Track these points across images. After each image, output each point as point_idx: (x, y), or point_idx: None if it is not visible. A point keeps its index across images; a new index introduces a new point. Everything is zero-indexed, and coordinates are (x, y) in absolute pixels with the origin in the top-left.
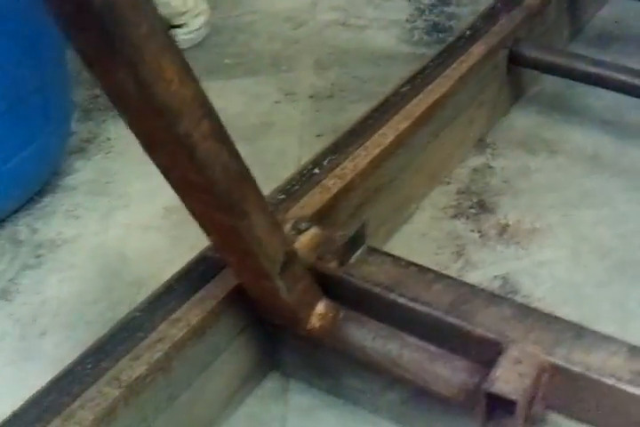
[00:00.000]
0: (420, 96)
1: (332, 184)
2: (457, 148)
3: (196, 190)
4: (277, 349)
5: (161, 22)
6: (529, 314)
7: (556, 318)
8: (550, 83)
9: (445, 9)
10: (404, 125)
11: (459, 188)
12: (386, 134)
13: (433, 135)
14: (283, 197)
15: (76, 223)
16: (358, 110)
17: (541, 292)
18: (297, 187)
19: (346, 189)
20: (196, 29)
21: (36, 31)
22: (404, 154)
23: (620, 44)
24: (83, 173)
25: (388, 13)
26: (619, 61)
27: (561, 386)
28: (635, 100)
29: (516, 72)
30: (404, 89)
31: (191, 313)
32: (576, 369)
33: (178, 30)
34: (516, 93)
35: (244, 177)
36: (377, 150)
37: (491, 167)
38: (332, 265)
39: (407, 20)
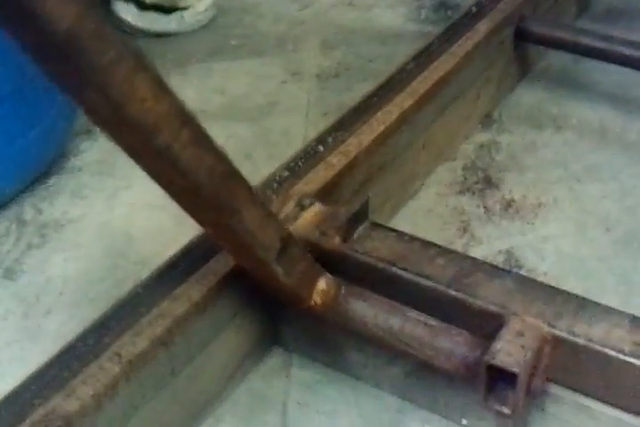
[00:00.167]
0: (425, 73)
1: (337, 161)
2: (463, 124)
3: (184, 193)
4: (280, 324)
5: (130, 45)
6: (531, 287)
7: (559, 291)
8: (557, 58)
9: None
10: (408, 102)
11: (464, 164)
12: (390, 111)
13: (438, 112)
14: (287, 173)
15: (81, 203)
16: (364, 89)
17: (546, 266)
18: (301, 164)
19: (350, 166)
20: (203, 11)
21: None
22: (409, 131)
23: (628, 20)
24: (88, 153)
25: None
26: (626, 37)
27: (563, 358)
28: None
29: (523, 48)
30: (408, 66)
31: (193, 289)
32: (578, 341)
33: (184, 12)
34: (523, 69)
35: (231, 176)
36: (381, 127)
37: (497, 143)
38: (336, 241)
39: None
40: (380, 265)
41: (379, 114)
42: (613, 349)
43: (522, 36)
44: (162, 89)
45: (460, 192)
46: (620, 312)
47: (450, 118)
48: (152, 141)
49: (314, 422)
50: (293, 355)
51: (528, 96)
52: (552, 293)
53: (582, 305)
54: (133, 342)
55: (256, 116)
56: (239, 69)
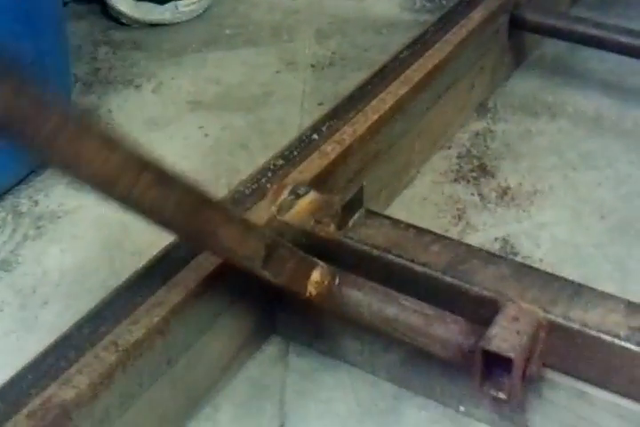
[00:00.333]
0: (420, 61)
1: (331, 149)
2: (458, 112)
3: (159, 224)
4: (277, 312)
5: (72, 110)
6: (526, 273)
7: (554, 277)
8: (552, 46)
9: None
10: (403, 91)
11: (459, 152)
12: (385, 100)
13: (433, 100)
14: (281, 162)
15: (77, 195)
16: (360, 79)
17: (542, 253)
18: (296, 152)
19: (344, 155)
20: (197, 1)
21: (33, 3)
22: (404, 119)
23: (622, 8)
24: None
25: None
26: (621, 24)
27: (558, 344)
28: (636, 62)
29: (518, 36)
30: (403, 54)
31: (189, 278)
32: (574, 326)
33: (179, 2)
34: (518, 58)
35: (201, 205)
36: (376, 116)
37: (492, 131)
38: (331, 229)
39: None
40: (376, 253)
41: (373, 102)
42: (609, 334)
43: (516, 25)
44: (111, 144)
45: (456, 180)
46: (616, 297)
47: (445, 107)
48: (113, 190)
49: (311, 409)
50: (291, 343)
51: (523, 84)
52: (547, 279)
53: (577, 291)
54: (130, 331)
55: (251, 105)
56: (234, 59)
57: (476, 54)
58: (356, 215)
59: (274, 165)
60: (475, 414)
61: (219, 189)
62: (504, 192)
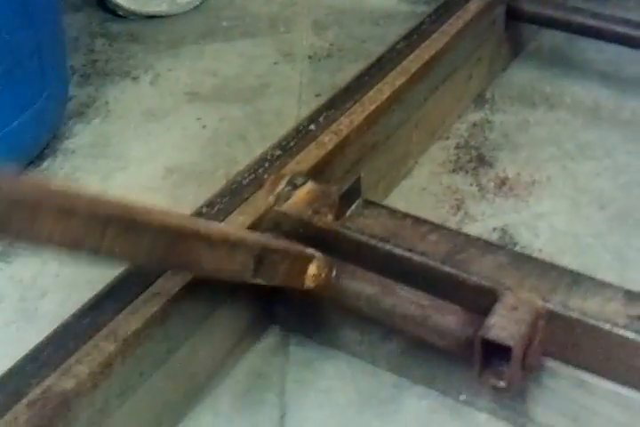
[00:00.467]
0: (417, 52)
1: (328, 140)
2: (455, 103)
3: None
4: (276, 303)
5: (24, 182)
6: (525, 262)
7: (552, 266)
8: (549, 37)
9: None
10: (400, 81)
11: (458, 142)
12: (382, 90)
13: (430, 91)
14: (279, 153)
15: (79, 185)
16: (357, 70)
17: (540, 243)
18: (293, 143)
19: (342, 145)
20: None
21: None
22: (401, 110)
23: None
24: (82, 136)
25: None
26: (619, 14)
27: (557, 332)
28: (634, 52)
29: (515, 27)
30: (400, 45)
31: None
32: (572, 315)
33: None
34: (516, 48)
35: (178, 237)
36: (373, 106)
37: (490, 122)
38: (328, 219)
39: None
40: (373, 242)
41: (370, 93)
42: (608, 322)
43: (514, 15)
44: (68, 211)
45: (454, 171)
46: (614, 286)
47: (442, 97)
48: (79, 252)
49: (312, 399)
50: (290, 333)
51: (521, 75)
52: (545, 268)
53: (576, 280)
54: (129, 321)
55: (249, 97)
56: (231, 51)
57: (473, 45)
58: (354, 205)
59: (271, 155)
60: (475, 404)
61: (217, 180)
62: (502, 182)
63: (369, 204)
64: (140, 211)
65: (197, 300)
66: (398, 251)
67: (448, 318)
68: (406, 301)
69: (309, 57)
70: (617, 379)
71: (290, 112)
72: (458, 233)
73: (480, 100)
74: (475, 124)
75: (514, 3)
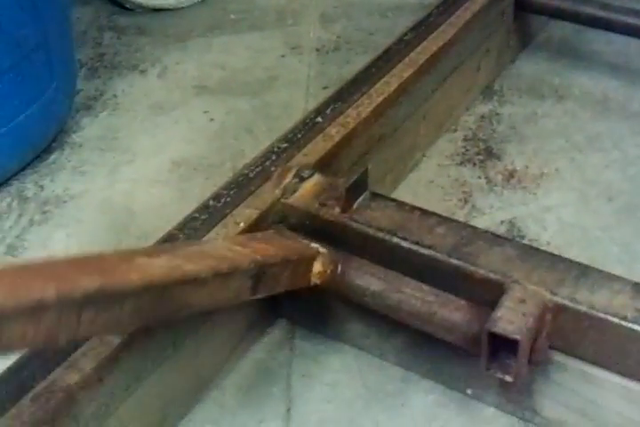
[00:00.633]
0: (424, 44)
1: (335, 132)
2: (463, 95)
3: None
4: (282, 296)
5: None
6: (532, 254)
7: (560, 258)
8: (558, 28)
9: None
10: (407, 73)
11: (465, 135)
12: (389, 82)
13: (438, 83)
14: (286, 145)
15: (82, 179)
16: (365, 62)
17: (548, 236)
18: (300, 135)
19: (349, 137)
20: None
21: None
22: (409, 102)
23: None
24: (89, 129)
25: None
26: (627, 6)
27: (565, 325)
28: None
29: (523, 18)
30: (407, 37)
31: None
32: (580, 308)
33: None
34: (524, 40)
35: (163, 289)
36: (380, 98)
37: (498, 114)
38: (335, 211)
39: None
40: (380, 235)
41: (377, 85)
42: (616, 315)
43: (522, 6)
44: (36, 315)
45: (462, 163)
46: (622, 279)
47: (450, 89)
48: (57, 344)
49: (318, 393)
50: (297, 327)
51: (529, 67)
52: (553, 260)
53: (584, 272)
54: None
55: (256, 90)
56: (239, 44)
57: (481, 36)
58: (361, 198)
59: (278, 148)
60: (481, 397)
61: (224, 173)
62: (510, 175)
63: (376, 196)
64: (116, 274)
65: None
66: (405, 243)
67: (455, 313)
68: (412, 296)
69: (317, 50)
70: (625, 372)
71: (297, 105)
72: (465, 226)
73: (488, 92)
74: (483, 117)
75: None
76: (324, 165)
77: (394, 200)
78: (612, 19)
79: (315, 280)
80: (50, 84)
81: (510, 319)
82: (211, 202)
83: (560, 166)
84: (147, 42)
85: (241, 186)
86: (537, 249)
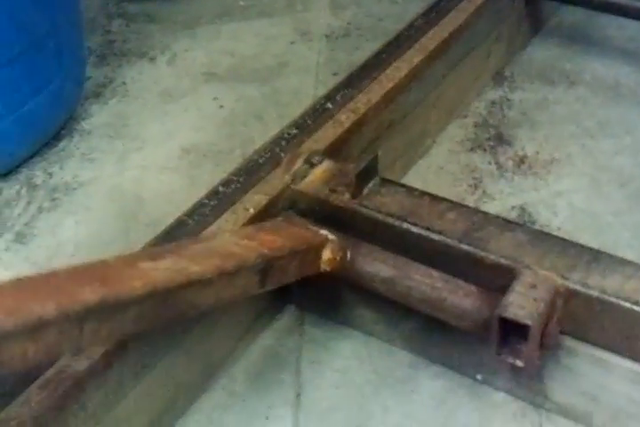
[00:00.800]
0: (435, 29)
1: (346, 118)
2: (474, 81)
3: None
4: (292, 283)
5: None
6: (543, 240)
7: (571, 243)
8: (570, 14)
9: None
10: (418, 59)
11: (476, 121)
12: (400, 68)
13: (448, 69)
14: (296, 131)
15: (91, 166)
16: (375, 49)
17: (559, 221)
18: (310, 121)
19: (359, 123)
20: None
21: None
22: (419, 88)
23: None
24: (98, 117)
25: None
26: None
27: (576, 310)
28: None
29: (535, 4)
30: (418, 23)
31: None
32: (592, 293)
33: None
34: (535, 26)
35: (167, 294)
36: (390, 84)
37: (509, 100)
38: (345, 197)
39: None
40: (390, 221)
41: (388, 71)
42: (628, 300)
43: None
44: (36, 329)
45: (472, 149)
46: (634, 264)
47: (460, 75)
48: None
49: (328, 379)
50: (306, 313)
51: (541, 53)
52: (564, 245)
53: (595, 257)
54: None
55: (266, 76)
56: (248, 30)
57: (491, 22)
58: (371, 184)
59: (288, 134)
60: (492, 383)
61: (233, 159)
62: (521, 161)
63: (386, 182)
64: (118, 282)
65: None
66: (415, 229)
67: (465, 298)
68: (422, 282)
69: (326, 36)
70: (636, 357)
71: (307, 91)
72: (476, 211)
73: (499, 78)
74: (493, 103)
75: None
76: (334, 150)
77: (404, 186)
78: (624, 3)
79: (324, 267)
80: (59, 71)
81: (521, 304)
82: (220, 188)
83: (571, 152)
84: (156, 29)
85: (251, 172)
86: (548, 234)
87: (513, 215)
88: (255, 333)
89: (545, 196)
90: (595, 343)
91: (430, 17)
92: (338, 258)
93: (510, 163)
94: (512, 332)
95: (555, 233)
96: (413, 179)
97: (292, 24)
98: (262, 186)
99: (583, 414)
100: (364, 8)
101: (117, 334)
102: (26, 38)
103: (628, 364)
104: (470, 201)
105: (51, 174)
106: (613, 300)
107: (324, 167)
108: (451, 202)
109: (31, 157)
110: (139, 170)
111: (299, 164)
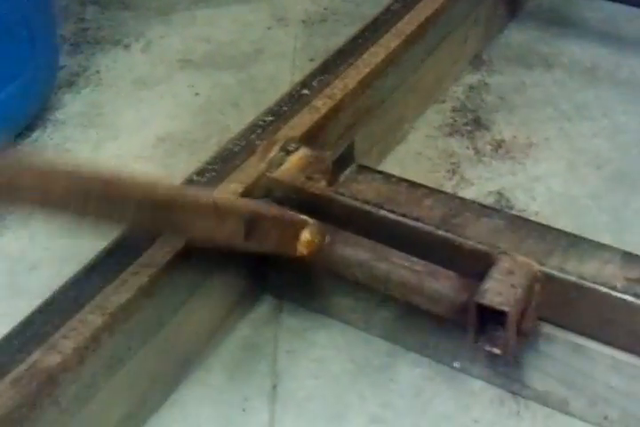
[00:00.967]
0: (412, 13)
1: (322, 104)
2: (451, 65)
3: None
4: (268, 271)
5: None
6: (521, 225)
7: (548, 228)
8: None
9: None
10: (394, 44)
11: (454, 106)
12: (376, 53)
13: (426, 53)
14: (271, 118)
15: (66, 157)
16: (352, 34)
17: (537, 205)
18: (286, 108)
19: (335, 109)
20: None
21: None
22: (396, 73)
23: None
24: (72, 106)
25: None
26: None
27: (554, 296)
28: (632, 10)
29: None
30: (394, 7)
31: (177, 238)
32: (569, 278)
33: None
34: (513, 9)
35: (163, 206)
36: (367, 69)
37: (486, 84)
38: (321, 185)
39: None
40: (367, 208)
41: (364, 56)
42: (605, 285)
43: None
44: (48, 179)
45: (450, 134)
46: (612, 248)
47: (438, 60)
48: (63, 214)
49: (305, 369)
50: (283, 302)
51: (518, 36)
52: (542, 230)
53: (573, 242)
54: (116, 294)
55: (242, 63)
56: (224, 16)
57: (469, 6)
58: (347, 171)
59: (263, 121)
60: (469, 370)
61: (209, 148)
62: (499, 145)
63: (363, 169)
64: (122, 184)
65: (187, 271)
66: (393, 216)
67: (442, 284)
68: (400, 267)
69: (303, 21)
70: (614, 343)
71: (284, 78)
72: (453, 197)
73: (477, 62)
74: (471, 87)
75: None
76: (311, 137)
77: (381, 173)
78: None
79: (302, 249)
80: (31, 60)
81: (499, 291)
82: (195, 177)
83: (549, 136)
84: (130, 16)
85: (226, 160)
86: (525, 219)
87: (491, 200)
88: (231, 323)
89: (522, 180)
90: (572, 329)
91: (407, 1)
92: (316, 241)
93: (488, 147)
94: (490, 319)
95: (532, 217)
96: (391, 165)
97: (269, 9)
98: (237, 174)
99: (561, 401)
100: None
101: (116, 220)
102: None
103: (605, 350)
104: (448, 187)
105: None
106: (591, 285)
107: (300, 155)
108: (428, 188)
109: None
110: (114, 159)
111: (274, 151)
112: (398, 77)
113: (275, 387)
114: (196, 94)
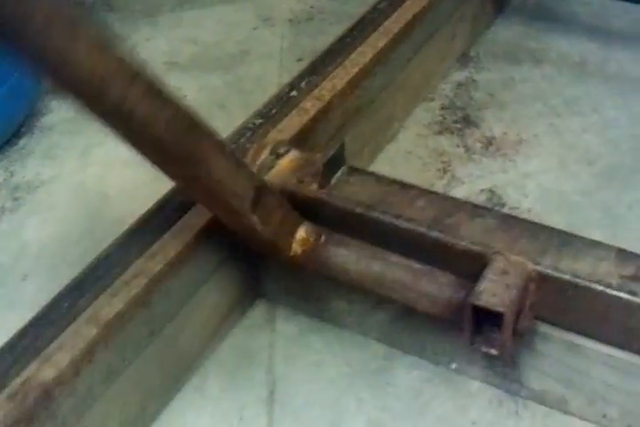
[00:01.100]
0: (399, 12)
1: (311, 106)
2: (439, 63)
3: (147, 147)
4: (262, 276)
5: (64, 6)
6: (514, 224)
7: (542, 227)
8: None
9: None
10: (382, 43)
11: (443, 103)
12: (364, 53)
13: (413, 51)
14: (261, 121)
15: (53, 164)
16: (339, 33)
17: (529, 203)
18: (275, 110)
19: (325, 111)
20: None
21: None
22: (384, 72)
23: None
24: (59, 112)
25: None
26: None
27: (549, 295)
28: (620, 4)
29: None
30: (381, 5)
31: (168, 246)
32: (564, 277)
33: None
34: (499, 4)
35: (193, 127)
36: (355, 69)
37: (475, 81)
38: (313, 187)
39: None
40: (359, 210)
41: (352, 56)
42: (600, 283)
43: None
44: (104, 46)
45: (440, 132)
46: (606, 246)
47: (426, 58)
48: (102, 98)
49: (301, 374)
50: (278, 307)
51: (505, 32)
52: (535, 229)
53: (566, 240)
54: (110, 304)
55: (229, 64)
56: (210, 17)
57: (455, 3)
58: (339, 173)
59: (252, 124)
60: (467, 372)
61: None
62: (489, 142)
63: (354, 170)
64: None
65: (180, 279)
66: (385, 218)
67: (437, 285)
68: (395, 267)
69: (290, 20)
70: (611, 341)
71: (271, 78)
72: (445, 197)
73: (464, 59)
74: (460, 84)
75: None
76: (300, 140)
77: (372, 174)
78: None
79: (297, 248)
80: (17, 66)
81: (494, 292)
82: None
83: (539, 132)
84: (115, 18)
85: None
86: (518, 218)
87: (482, 198)
88: (226, 330)
89: (514, 177)
90: (569, 328)
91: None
92: (311, 240)
93: (478, 145)
94: (485, 320)
95: (525, 215)
96: (382, 164)
97: (255, 9)
98: None
99: (560, 400)
100: None
101: (147, 126)
102: None
103: (602, 348)
104: (439, 186)
105: (12, 173)
106: (586, 283)
107: (290, 157)
108: (420, 189)
109: None
110: (101, 166)
111: (265, 155)
112: (386, 77)
113: (271, 393)
114: (184, 97)
